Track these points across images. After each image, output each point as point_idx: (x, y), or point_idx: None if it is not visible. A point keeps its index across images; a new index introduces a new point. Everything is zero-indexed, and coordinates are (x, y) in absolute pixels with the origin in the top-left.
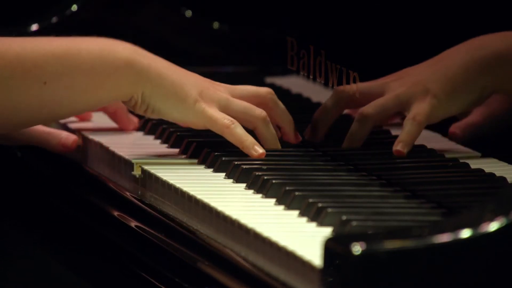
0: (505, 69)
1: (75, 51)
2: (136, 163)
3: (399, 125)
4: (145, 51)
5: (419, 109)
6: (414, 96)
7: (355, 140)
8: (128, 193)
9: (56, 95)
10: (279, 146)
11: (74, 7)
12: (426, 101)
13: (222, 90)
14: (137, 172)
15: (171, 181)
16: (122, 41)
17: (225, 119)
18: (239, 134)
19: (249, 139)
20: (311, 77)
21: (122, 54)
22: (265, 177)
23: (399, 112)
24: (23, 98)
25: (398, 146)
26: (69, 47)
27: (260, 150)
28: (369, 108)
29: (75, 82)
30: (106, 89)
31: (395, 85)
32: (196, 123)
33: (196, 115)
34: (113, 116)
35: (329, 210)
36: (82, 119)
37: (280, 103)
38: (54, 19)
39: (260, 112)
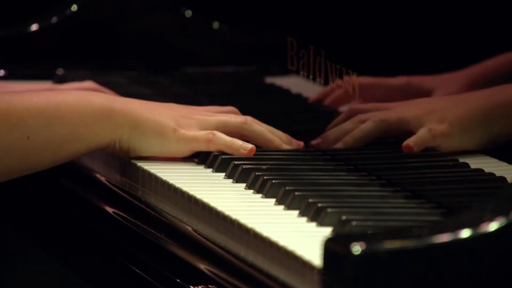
0: None
1: (54, 103)
2: (136, 163)
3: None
4: (117, 97)
5: (435, 126)
6: (431, 120)
7: (361, 139)
8: (127, 193)
9: (39, 147)
10: (274, 139)
11: (74, 7)
12: (442, 126)
13: (197, 114)
14: (130, 168)
15: (171, 181)
16: (96, 92)
17: (205, 134)
18: (223, 140)
19: (235, 141)
20: (311, 77)
21: (97, 102)
22: (265, 177)
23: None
24: (9, 150)
25: (409, 142)
26: (49, 101)
27: (248, 146)
28: (388, 115)
29: (55, 134)
30: (85, 138)
31: (414, 108)
32: (181, 150)
33: (178, 143)
34: None
35: (329, 210)
36: None
37: (255, 127)
38: (54, 19)
39: (240, 119)
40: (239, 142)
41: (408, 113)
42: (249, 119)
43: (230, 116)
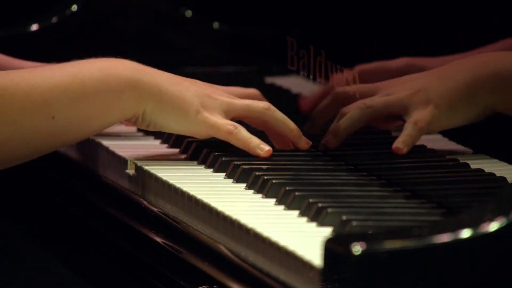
0: (506, 88)
1: (78, 80)
2: (136, 163)
3: (399, 129)
4: (145, 67)
5: (420, 116)
6: (416, 102)
7: (349, 127)
8: (127, 193)
9: (64, 126)
10: (294, 128)
11: (74, 7)
12: (427, 110)
13: (222, 95)
14: (130, 170)
15: (171, 181)
16: (122, 60)
17: (228, 125)
18: (243, 137)
19: (253, 140)
20: (311, 77)
21: (124, 74)
22: (265, 177)
23: (396, 117)
24: (33, 132)
25: (398, 144)
26: (72, 77)
27: (266, 148)
28: (373, 101)
29: (81, 111)
30: (111, 112)
31: (398, 89)
32: (200, 133)
33: (199, 125)
34: None
35: (329, 210)
36: None
37: (278, 114)
38: (54, 19)
39: (263, 105)
40: (257, 141)
41: (393, 96)
42: (269, 105)
43: (254, 101)
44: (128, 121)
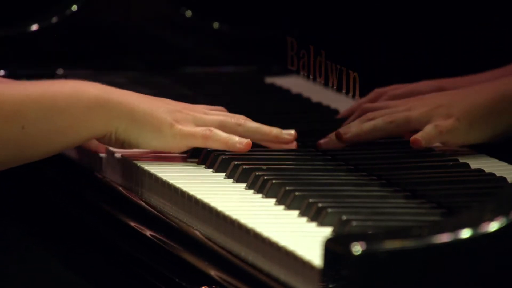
0: None
1: (50, 94)
2: (136, 163)
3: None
4: (114, 88)
5: (441, 122)
6: (437, 116)
7: (368, 132)
8: (127, 192)
9: (34, 138)
10: (271, 129)
11: (74, 7)
12: (449, 121)
13: (193, 110)
14: (130, 167)
15: (171, 181)
16: (92, 82)
17: (203, 130)
18: (221, 137)
19: (231, 137)
20: (311, 77)
21: (93, 93)
22: (265, 177)
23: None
24: (2, 143)
25: (417, 136)
26: (44, 90)
27: (244, 141)
28: (396, 116)
29: (51, 124)
30: (81, 129)
31: (418, 104)
32: (177, 146)
33: (175, 138)
34: None
35: (329, 210)
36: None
37: (250, 125)
38: (54, 19)
39: (236, 120)
40: (235, 138)
41: (414, 112)
42: (242, 117)
43: (226, 115)
44: (102, 142)
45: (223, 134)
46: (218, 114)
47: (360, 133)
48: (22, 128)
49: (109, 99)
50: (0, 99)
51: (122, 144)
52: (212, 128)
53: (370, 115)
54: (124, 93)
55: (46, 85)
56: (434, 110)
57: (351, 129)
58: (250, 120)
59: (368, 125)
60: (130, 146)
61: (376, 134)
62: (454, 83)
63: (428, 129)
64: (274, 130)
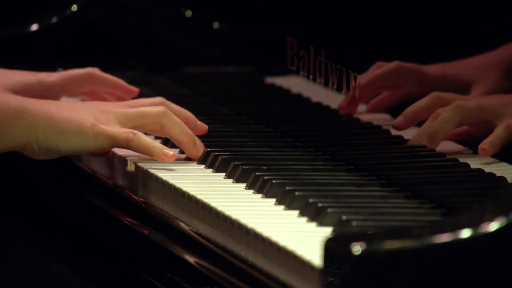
0: None
1: None
2: (135, 162)
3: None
4: (34, 99)
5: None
6: (509, 112)
7: (442, 128)
8: (127, 193)
9: None
10: (189, 132)
11: (74, 7)
12: None
13: (117, 107)
14: (131, 168)
15: (171, 181)
16: (12, 94)
17: (126, 132)
18: (144, 143)
19: (155, 145)
20: (311, 77)
21: (12, 102)
22: (265, 177)
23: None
24: None
25: (485, 145)
26: None
27: (170, 152)
28: (466, 102)
29: None
30: (1, 139)
31: (493, 100)
32: (100, 146)
33: (97, 138)
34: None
35: (329, 210)
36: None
37: (174, 117)
38: (54, 19)
39: (158, 109)
40: (159, 146)
41: (486, 101)
42: (164, 108)
43: (149, 107)
44: (25, 154)
45: (146, 141)
46: (141, 107)
47: (438, 137)
48: None
49: (27, 109)
50: None
51: (46, 153)
52: (136, 132)
53: (439, 110)
54: (43, 102)
55: None
56: (506, 106)
57: (428, 138)
58: (170, 114)
59: (440, 122)
60: (53, 153)
61: (450, 124)
62: (456, 72)
63: (499, 131)
64: (191, 136)
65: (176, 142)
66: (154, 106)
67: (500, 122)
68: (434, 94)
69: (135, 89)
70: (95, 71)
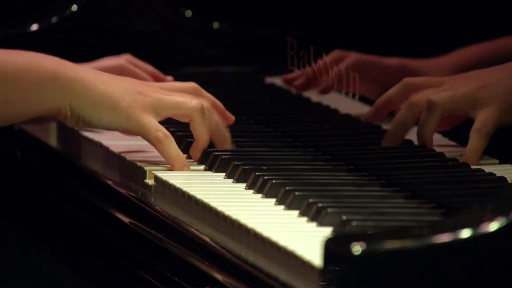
0: None
1: (1, 63)
2: (136, 163)
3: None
4: (72, 64)
5: (485, 119)
6: (481, 98)
7: (427, 129)
8: (127, 193)
9: None
10: (208, 139)
11: (74, 7)
12: (492, 109)
13: (155, 91)
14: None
15: (171, 181)
16: (49, 55)
17: (158, 131)
18: (172, 152)
19: (181, 158)
20: None
21: (48, 66)
22: (265, 177)
23: (460, 114)
24: None
25: (465, 160)
26: None
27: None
28: (439, 97)
29: (0, 93)
30: (32, 101)
31: (463, 84)
32: (131, 129)
33: (130, 121)
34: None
35: (329, 210)
36: None
37: (212, 115)
38: (54, 19)
39: (195, 103)
40: (182, 162)
41: (458, 91)
42: (205, 106)
43: (186, 99)
44: (58, 118)
45: (174, 150)
46: (179, 96)
47: (426, 138)
48: None
49: (64, 74)
50: None
51: (77, 122)
52: (169, 135)
53: (412, 98)
54: (82, 70)
55: (2, 54)
56: (478, 90)
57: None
58: (204, 115)
59: (423, 125)
60: (85, 124)
61: (432, 121)
62: (416, 65)
63: (474, 140)
64: (228, 139)
65: (194, 136)
66: (192, 99)
67: (473, 115)
68: (405, 80)
69: (170, 78)
70: (126, 65)
